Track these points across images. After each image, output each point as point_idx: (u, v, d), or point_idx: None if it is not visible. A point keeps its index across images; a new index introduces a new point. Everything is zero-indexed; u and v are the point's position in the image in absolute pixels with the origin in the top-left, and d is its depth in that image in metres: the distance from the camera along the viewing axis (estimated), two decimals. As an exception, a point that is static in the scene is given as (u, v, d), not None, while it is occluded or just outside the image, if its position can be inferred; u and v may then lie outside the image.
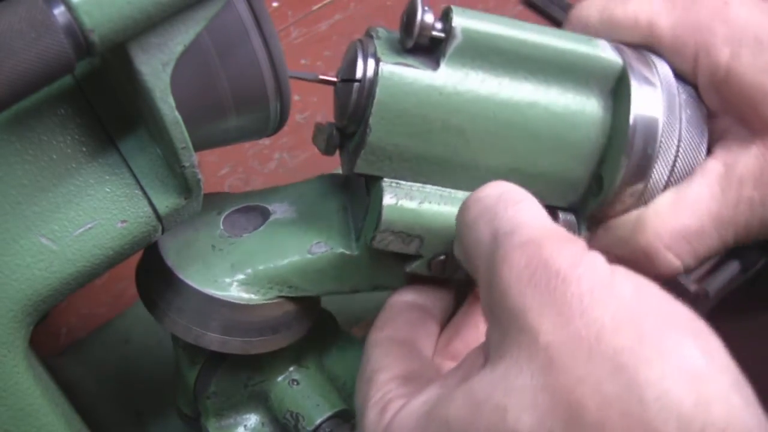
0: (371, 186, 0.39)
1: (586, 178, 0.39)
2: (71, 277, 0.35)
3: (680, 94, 0.40)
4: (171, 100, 0.32)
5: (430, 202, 0.38)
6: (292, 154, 0.75)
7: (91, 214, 0.35)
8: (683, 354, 0.26)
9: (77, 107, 0.34)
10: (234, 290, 0.41)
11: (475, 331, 0.39)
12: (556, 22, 0.84)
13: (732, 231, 0.40)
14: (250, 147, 0.75)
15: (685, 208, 0.39)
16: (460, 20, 0.36)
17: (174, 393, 0.51)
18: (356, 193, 0.43)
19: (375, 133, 0.36)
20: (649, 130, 0.38)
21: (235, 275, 0.41)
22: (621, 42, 0.41)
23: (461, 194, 0.38)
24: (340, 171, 0.43)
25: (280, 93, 0.38)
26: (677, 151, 0.39)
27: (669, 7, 0.41)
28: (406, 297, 0.40)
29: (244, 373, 0.46)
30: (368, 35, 0.38)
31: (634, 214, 0.40)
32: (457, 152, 0.38)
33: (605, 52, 0.39)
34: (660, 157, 0.38)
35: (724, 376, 0.26)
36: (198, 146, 0.35)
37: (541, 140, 0.38)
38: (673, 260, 0.40)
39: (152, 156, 0.36)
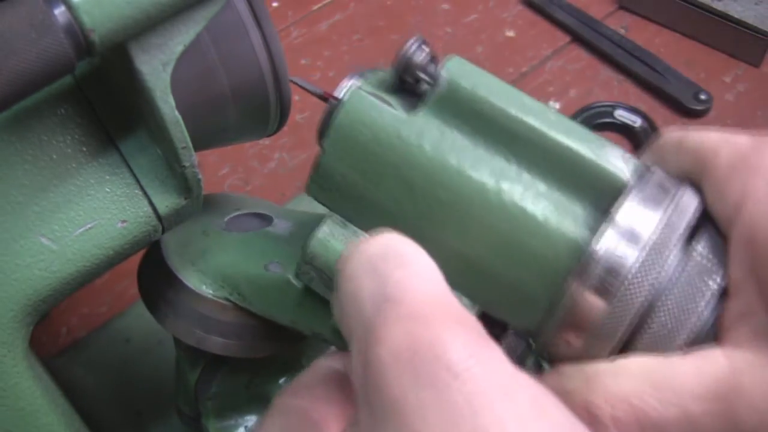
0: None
1: (544, 303, 0.31)
2: (71, 277, 0.35)
3: (697, 242, 0.31)
4: (171, 100, 0.32)
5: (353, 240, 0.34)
6: (292, 154, 0.75)
7: (91, 214, 0.35)
8: None
9: (77, 107, 0.34)
10: (193, 276, 0.41)
11: None
12: (556, 22, 0.84)
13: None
14: (250, 147, 0.75)
15: (658, 388, 0.29)
16: (453, 70, 0.33)
17: (174, 392, 0.51)
18: None
19: (328, 155, 0.34)
20: (615, 263, 0.29)
21: (199, 262, 0.41)
22: (676, 168, 0.33)
23: None
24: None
25: (280, 93, 0.38)
26: (656, 305, 0.30)
27: (734, 140, 0.32)
28: (333, 364, 0.32)
29: (245, 375, 0.47)
30: (377, 67, 0.36)
31: (590, 365, 0.31)
32: (402, 210, 0.33)
33: (612, 161, 0.31)
34: (623, 302, 0.30)
35: None
36: (198, 146, 0.35)
37: (501, 235, 0.31)
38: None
39: (152, 156, 0.36)
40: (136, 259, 0.43)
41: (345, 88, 0.34)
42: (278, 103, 0.38)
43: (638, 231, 0.30)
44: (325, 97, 0.36)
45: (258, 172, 0.74)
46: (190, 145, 0.34)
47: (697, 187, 0.32)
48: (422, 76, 0.33)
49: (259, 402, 0.48)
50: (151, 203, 0.36)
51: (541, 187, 0.32)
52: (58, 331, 0.64)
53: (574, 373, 0.31)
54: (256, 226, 0.44)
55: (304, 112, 0.78)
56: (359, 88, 0.34)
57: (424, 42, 0.34)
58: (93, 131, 0.35)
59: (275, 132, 0.41)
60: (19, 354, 0.35)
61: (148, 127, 0.36)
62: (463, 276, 0.31)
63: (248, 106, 0.38)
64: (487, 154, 0.32)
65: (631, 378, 0.30)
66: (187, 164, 0.35)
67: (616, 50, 0.80)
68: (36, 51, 0.27)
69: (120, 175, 0.35)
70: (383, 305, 0.24)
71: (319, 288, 0.36)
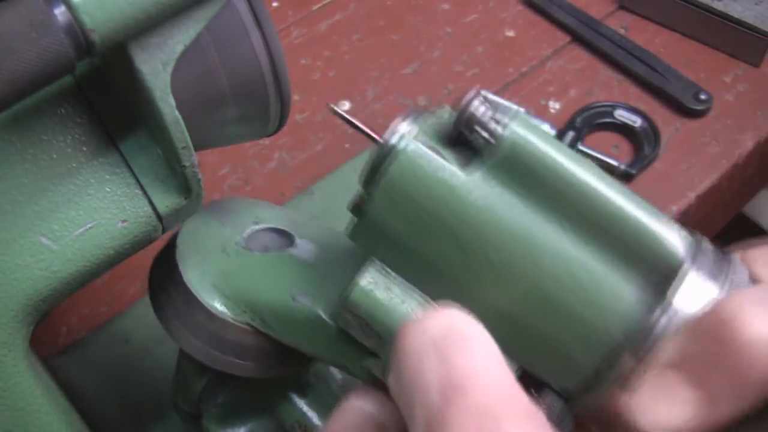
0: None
1: (589, 369, 0.31)
2: (71, 276, 0.35)
3: None
4: (171, 100, 0.32)
5: (406, 303, 0.33)
6: (292, 154, 0.75)
7: (91, 213, 0.35)
8: None
9: (77, 107, 0.34)
10: (213, 298, 0.40)
11: None
12: (556, 22, 0.84)
13: None
14: (250, 147, 0.75)
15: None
16: (517, 130, 0.31)
17: (173, 389, 0.50)
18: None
19: (376, 205, 0.33)
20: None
21: (220, 284, 0.40)
22: None
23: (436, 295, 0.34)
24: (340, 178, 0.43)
25: (280, 93, 0.38)
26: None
27: None
28: (363, 405, 0.33)
29: (253, 385, 0.46)
30: (434, 110, 0.34)
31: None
32: (449, 266, 0.33)
33: (669, 237, 0.31)
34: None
35: None
36: (198, 146, 0.35)
37: (551, 300, 0.31)
38: None
39: (152, 155, 0.36)
40: (137, 259, 0.42)
41: (398, 134, 0.32)
42: (278, 103, 0.38)
43: (694, 311, 0.29)
44: (373, 138, 0.35)
45: (258, 172, 0.74)
46: (190, 144, 0.34)
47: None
48: (483, 134, 0.31)
49: (264, 410, 0.48)
50: (151, 203, 0.36)
51: (597, 255, 0.31)
52: (58, 331, 0.64)
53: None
54: (278, 245, 0.42)
55: (304, 112, 0.78)
56: (415, 138, 0.32)
57: (484, 94, 0.32)
58: (93, 131, 0.35)
59: (275, 132, 0.41)
60: (20, 354, 0.35)
61: (148, 127, 0.36)
62: (507, 335, 0.31)
63: (248, 106, 0.38)
64: (543, 219, 0.32)
65: None
66: (187, 164, 0.35)
67: (616, 50, 0.80)
68: (36, 51, 0.27)
69: (120, 175, 0.35)
70: (449, 393, 0.25)
71: (357, 333, 0.35)
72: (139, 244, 0.37)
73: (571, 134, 0.74)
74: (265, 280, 0.40)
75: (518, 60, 0.81)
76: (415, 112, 0.33)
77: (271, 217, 0.43)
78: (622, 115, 0.75)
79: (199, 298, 0.40)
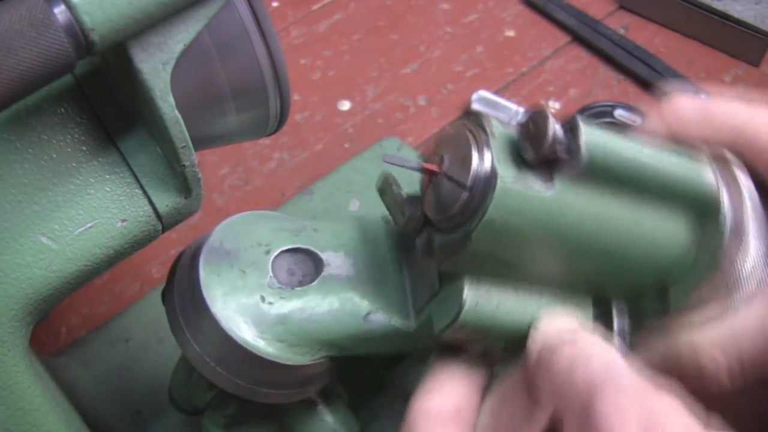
0: (447, 276, 0.38)
1: (651, 285, 0.39)
2: (71, 276, 0.35)
3: (764, 211, 0.38)
4: (171, 99, 0.32)
5: (506, 303, 0.37)
6: (292, 154, 0.75)
7: (91, 213, 0.35)
8: None
9: (77, 106, 0.34)
10: (278, 348, 0.39)
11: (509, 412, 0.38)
12: (556, 22, 0.84)
13: None
14: (250, 147, 0.75)
15: (740, 322, 0.37)
16: (588, 141, 0.34)
17: (172, 385, 0.50)
18: (415, 259, 0.41)
19: (474, 244, 0.34)
20: (737, 253, 0.37)
21: (284, 334, 0.39)
22: (710, 138, 0.39)
23: (534, 292, 0.37)
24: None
25: (280, 92, 0.38)
26: (752, 272, 0.37)
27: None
28: (454, 365, 0.39)
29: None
30: (480, 127, 0.35)
31: (690, 332, 0.38)
32: (546, 265, 0.37)
33: (705, 177, 0.37)
34: (737, 283, 0.37)
35: None
36: (198, 145, 0.35)
37: (625, 257, 0.37)
38: (720, 365, 0.37)
39: (152, 155, 0.36)
40: (137, 259, 0.42)
41: (479, 177, 0.33)
42: (278, 103, 0.38)
43: (740, 222, 0.37)
44: (423, 171, 0.36)
45: (258, 172, 0.74)
46: (190, 144, 0.34)
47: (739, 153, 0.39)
48: (561, 153, 0.34)
49: (271, 417, 0.48)
50: (150, 202, 0.36)
51: (654, 209, 0.37)
52: (58, 330, 0.64)
53: (681, 334, 0.38)
54: (309, 269, 0.41)
55: (304, 112, 0.78)
56: (500, 177, 0.33)
57: (483, 95, 0.34)
58: (93, 130, 0.35)
59: (275, 132, 0.41)
60: (20, 353, 0.35)
61: (147, 127, 0.36)
62: (593, 282, 0.38)
63: (248, 106, 0.38)
64: (613, 200, 0.36)
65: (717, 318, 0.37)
66: (187, 163, 0.35)
67: (616, 50, 0.80)
68: (36, 50, 0.27)
69: (120, 174, 0.35)
70: (601, 385, 0.30)
71: (461, 340, 0.38)
72: (139, 244, 0.37)
73: (571, 134, 0.74)
74: (326, 316, 0.40)
75: (518, 60, 0.81)
76: (470, 140, 0.34)
77: (272, 235, 0.42)
78: (622, 115, 0.75)
79: (258, 354, 0.39)
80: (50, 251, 0.34)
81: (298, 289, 0.40)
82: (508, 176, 0.33)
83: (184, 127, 0.33)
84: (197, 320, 0.39)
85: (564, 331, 0.35)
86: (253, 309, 0.39)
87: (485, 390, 0.39)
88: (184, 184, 0.36)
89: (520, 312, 0.37)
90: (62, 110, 0.34)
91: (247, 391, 0.40)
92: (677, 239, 0.38)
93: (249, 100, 0.37)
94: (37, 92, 0.29)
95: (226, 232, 0.41)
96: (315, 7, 0.87)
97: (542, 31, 0.84)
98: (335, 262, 0.41)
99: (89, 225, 0.35)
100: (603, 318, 0.39)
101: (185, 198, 0.36)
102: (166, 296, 0.41)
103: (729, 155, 0.39)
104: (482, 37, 0.84)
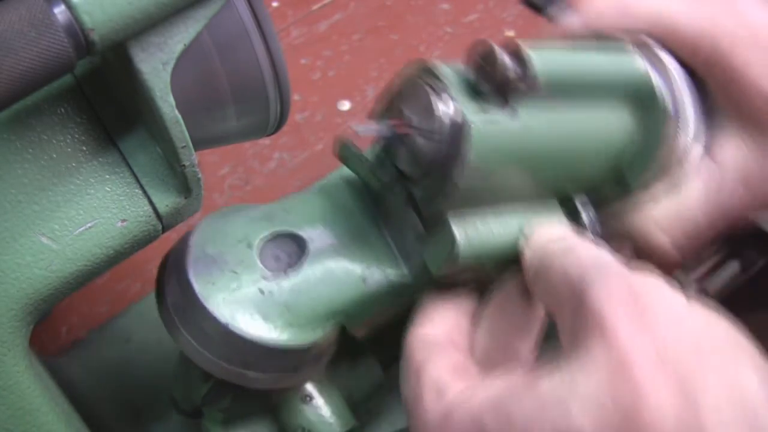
0: (430, 220, 0.39)
1: (607, 174, 0.42)
2: (71, 276, 0.35)
3: (691, 89, 0.42)
4: (171, 99, 0.32)
5: (491, 229, 0.38)
6: (292, 154, 0.75)
7: (91, 213, 0.35)
8: (743, 384, 0.29)
9: (77, 106, 0.34)
10: (292, 333, 0.40)
11: (500, 330, 0.41)
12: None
13: (722, 223, 0.44)
14: (250, 147, 0.75)
15: (683, 205, 0.43)
16: (540, 67, 0.36)
17: (172, 386, 0.50)
18: (390, 210, 0.42)
19: (458, 187, 0.36)
20: (676, 130, 0.41)
21: (292, 317, 0.40)
22: (627, 28, 0.43)
23: (509, 208, 0.39)
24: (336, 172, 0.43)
25: (279, 92, 0.38)
26: (692, 146, 0.42)
27: (684, 1, 0.42)
28: (441, 296, 0.42)
29: (258, 391, 0.46)
30: (431, 74, 0.36)
31: (640, 206, 0.43)
32: (520, 183, 0.39)
33: (636, 65, 0.41)
34: (682, 153, 0.42)
35: None
36: (198, 145, 0.35)
37: (586, 156, 0.40)
38: (671, 250, 0.44)
39: (152, 155, 0.36)
40: (137, 259, 0.42)
41: (449, 125, 0.35)
42: (278, 103, 0.38)
43: (676, 101, 0.41)
44: (396, 133, 0.37)
45: (258, 172, 0.74)
46: (190, 144, 0.34)
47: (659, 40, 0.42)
48: (515, 79, 0.35)
49: (268, 412, 0.48)
50: (150, 202, 0.36)
51: (601, 108, 0.40)
52: (58, 330, 0.64)
53: (621, 208, 0.43)
54: (293, 250, 0.42)
55: (304, 112, 0.78)
56: (470, 121, 0.34)
57: (499, 47, 0.36)
58: (93, 130, 0.35)
59: (275, 132, 0.41)
60: (19, 353, 0.35)
61: (147, 127, 0.36)
62: (556, 181, 0.40)
63: (248, 106, 0.38)
64: (567, 111, 0.38)
65: (663, 197, 0.43)
66: (187, 163, 0.35)
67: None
68: (36, 50, 0.27)
69: (120, 174, 0.35)
70: (591, 271, 0.33)
71: (457, 272, 0.39)
72: (139, 244, 0.37)
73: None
74: (327, 288, 0.40)
75: (518, 60, 0.81)
76: (428, 91, 0.35)
77: (247, 228, 0.42)
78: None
79: (282, 345, 0.39)
80: (50, 251, 0.34)
81: (291, 271, 0.40)
82: (475, 116, 0.35)
83: (184, 127, 0.33)
84: (208, 334, 0.39)
85: (554, 235, 0.38)
86: (257, 304, 0.39)
87: (476, 315, 0.41)
88: (184, 184, 0.36)
89: (504, 231, 0.39)
90: (62, 110, 0.34)
91: (271, 382, 0.41)
92: (623, 127, 0.41)
93: (249, 100, 0.37)
94: (37, 92, 0.29)
95: (202, 238, 0.41)
96: (315, 7, 0.87)
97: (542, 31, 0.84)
98: (316, 235, 0.41)
99: (89, 225, 0.35)
100: (571, 215, 0.41)
101: (185, 198, 0.36)
102: (166, 322, 0.41)
103: (649, 40, 0.42)
104: (482, 37, 0.84)
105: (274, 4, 0.86)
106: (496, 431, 0.32)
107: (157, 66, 0.31)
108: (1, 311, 0.34)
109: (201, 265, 0.40)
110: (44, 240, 0.34)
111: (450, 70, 0.36)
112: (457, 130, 0.35)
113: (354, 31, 0.84)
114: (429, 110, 0.35)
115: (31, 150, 0.34)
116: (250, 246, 0.41)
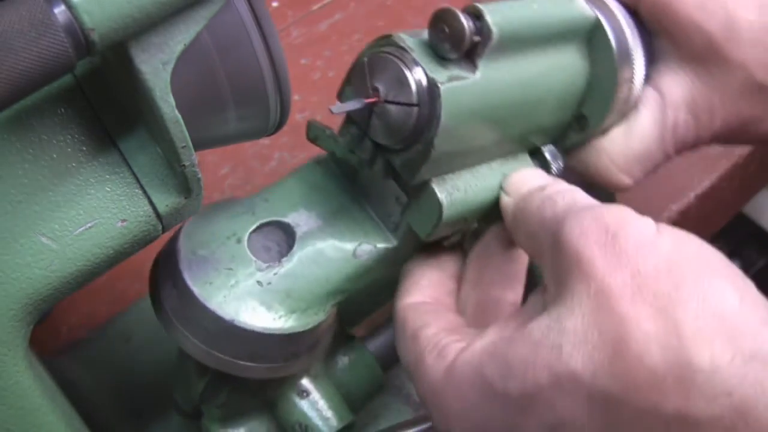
0: (412, 186, 0.40)
1: (570, 119, 0.45)
2: (71, 276, 0.35)
3: (635, 28, 0.44)
4: (171, 99, 0.32)
5: (471, 185, 0.41)
6: (292, 154, 0.75)
7: (91, 213, 0.35)
8: (716, 295, 0.30)
9: (77, 106, 0.34)
10: (297, 318, 0.40)
11: (484, 285, 0.43)
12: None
13: (672, 148, 0.47)
14: (250, 147, 0.75)
15: (634, 135, 0.46)
16: (493, 20, 0.38)
17: (173, 388, 0.50)
18: (367, 184, 0.43)
19: (437, 149, 0.37)
20: (628, 67, 0.43)
21: (294, 303, 0.40)
22: None
23: (485, 167, 0.42)
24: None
25: (280, 92, 0.38)
26: (638, 79, 0.44)
27: None
28: (424, 262, 0.44)
29: (254, 384, 0.46)
30: (396, 46, 0.38)
31: (593, 143, 0.46)
32: (491, 137, 0.41)
33: (582, 9, 0.43)
34: (635, 89, 0.44)
35: (754, 313, 0.30)
36: (198, 145, 0.35)
37: (547, 102, 0.42)
38: (625, 179, 0.47)
39: (152, 155, 0.36)
40: (137, 259, 0.42)
41: (420, 91, 0.37)
42: (278, 103, 0.38)
43: (622, 39, 0.43)
44: (367, 105, 0.38)
45: (258, 172, 0.74)
46: (190, 144, 0.34)
47: None
48: (477, 39, 0.37)
49: (265, 408, 0.48)
50: (150, 202, 0.36)
51: (555, 53, 0.41)
52: (58, 330, 0.64)
53: (583, 151, 0.47)
54: (281, 238, 0.42)
55: (304, 112, 0.78)
56: (439, 83, 0.36)
57: (457, 11, 0.37)
58: (93, 130, 0.35)
59: (275, 132, 0.41)
60: (19, 353, 0.35)
61: (148, 127, 0.36)
62: (523, 141, 0.43)
63: (248, 106, 0.38)
64: (524, 60, 0.40)
65: (618, 137, 0.46)
66: (187, 163, 0.35)
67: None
68: (36, 50, 0.27)
69: (120, 174, 0.35)
70: (566, 212, 0.35)
71: (446, 232, 0.41)
72: (139, 244, 0.37)
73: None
74: (322, 269, 0.41)
75: (518, 60, 0.81)
76: (397, 63, 0.37)
77: (232, 223, 0.42)
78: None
79: (298, 332, 0.40)
80: (50, 251, 0.34)
81: (284, 259, 0.41)
82: (442, 77, 0.37)
83: (184, 127, 0.33)
84: (214, 333, 0.40)
85: (528, 180, 0.41)
86: (258, 296, 0.40)
87: (462, 276, 0.44)
88: (184, 184, 0.36)
89: (483, 187, 0.41)
90: (62, 110, 0.34)
91: (281, 371, 0.42)
92: (579, 71, 0.43)
93: (249, 100, 0.37)
94: (37, 92, 0.29)
95: (190, 241, 0.41)
96: (315, 7, 0.87)
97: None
98: (301, 220, 0.42)
99: (89, 225, 0.35)
100: (542, 166, 0.44)
101: (185, 198, 0.36)
102: (168, 327, 0.41)
103: None
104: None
105: (274, 4, 0.86)
106: (496, 376, 0.34)
107: (157, 66, 0.31)
108: (1, 311, 0.34)
109: (195, 267, 0.40)
110: (44, 240, 0.34)
111: (412, 39, 0.38)
112: (429, 94, 0.36)
113: (354, 31, 0.84)
114: (400, 80, 0.37)
115: (31, 150, 0.34)
116: (239, 241, 0.41)
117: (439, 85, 0.36)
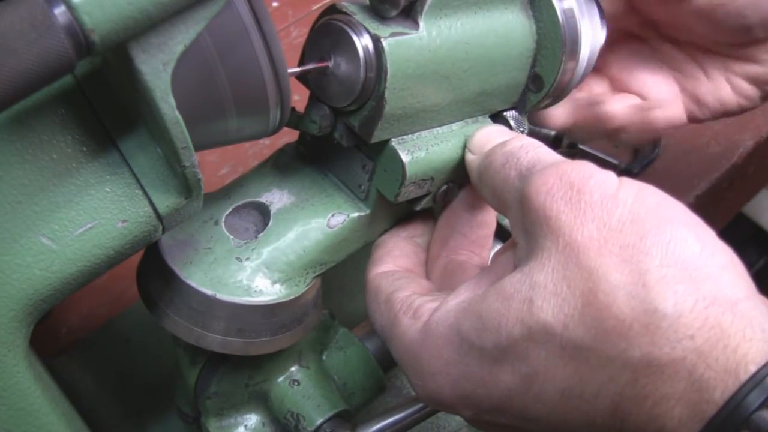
0: (374, 148, 0.42)
1: (525, 81, 0.46)
2: (72, 276, 0.35)
3: None
4: (171, 100, 0.32)
5: (432, 145, 0.42)
6: (292, 154, 0.75)
7: (91, 213, 0.35)
8: (678, 243, 0.31)
9: (78, 107, 0.34)
10: (278, 290, 0.42)
11: (449, 247, 0.45)
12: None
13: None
14: (250, 147, 0.75)
15: (574, 99, 0.51)
16: None
17: (174, 392, 0.51)
18: (333, 157, 0.45)
19: (389, 103, 0.39)
20: (573, 25, 0.44)
21: (274, 275, 0.42)
22: None
23: (445, 128, 0.43)
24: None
25: (280, 93, 0.38)
26: (586, 39, 0.45)
27: None
28: (396, 234, 0.46)
29: (245, 373, 0.47)
30: (339, 12, 0.40)
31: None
32: (444, 96, 0.42)
33: None
34: (583, 47, 0.45)
35: (715, 259, 0.31)
36: (198, 146, 0.35)
37: (497, 61, 0.43)
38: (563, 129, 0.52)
39: (152, 155, 0.36)
40: (137, 259, 0.43)
41: (365, 47, 0.38)
42: (278, 103, 0.38)
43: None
44: (316, 69, 0.40)
45: (258, 172, 0.73)
46: (191, 144, 0.34)
47: None
48: None
49: (258, 401, 0.48)
50: (151, 203, 0.36)
51: (498, 13, 0.43)
52: (58, 331, 0.64)
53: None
54: (257, 217, 0.44)
55: (304, 112, 0.78)
56: (382, 38, 0.38)
57: None
58: (93, 131, 0.35)
59: (275, 132, 0.41)
60: (19, 353, 0.35)
61: (148, 127, 0.36)
62: (481, 104, 0.44)
63: (248, 106, 0.38)
64: (467, 18, 0.41)
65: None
66: (187, 164, 0.35)
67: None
68: (36, 51, 0.27)
69: (120, 175, 0.35)
70: (531, 169, 0.36)
71: (414, 193, 0.43)
72: (139, 244, 0.37)
73: (570, 134, 0.74)
74: (298, 241, 0.43)
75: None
76: (342, 27, 0.39)
77: (210, 207, 0.44)
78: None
79: (268, 302, 0.41)
80: (50, 252, 0.34)
81: (261, 235, 0.43)
82: (386, 33, 0.38)
83: (184, 128, 0.33)
84: (199, 311, 0.41)
85: (492, 136, 0.42)
86: (237, 272, 0.41)
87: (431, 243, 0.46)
88: (184, 184, 0.36)
89: (446, 146, 0.43)
90: (62, 111, 0.34)
91: (271, 345, 0.43)
92: (525, 29, 0.44)
93: (249, 100, 0.37)
94: (37, 93, 0.29)
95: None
96: (315, 7, 0.87)
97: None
98: (274, 198, 0.44)
99: (89, 225, 0.35)
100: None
101: (185, 198, 0.36)
102: (158, 316, 0.42)
103: None
104: None
105: (274, 4, 0.87)
106: (471, 331, 0.35)
107: (157, 66, 0.31)
108: (2, 311, 0.34)
109: (175, 250, 0.41)
110: (44, 241, 0.34)
111: (354, 6, 0.40)
112: (374, 50, 0.38)
113: (354, 31, 0.84)
114: (345, 41, 0.39)
115: (31, 151, 0.34)
116: (217, 223, 0.43)
117: (382, 39, 0.38)
